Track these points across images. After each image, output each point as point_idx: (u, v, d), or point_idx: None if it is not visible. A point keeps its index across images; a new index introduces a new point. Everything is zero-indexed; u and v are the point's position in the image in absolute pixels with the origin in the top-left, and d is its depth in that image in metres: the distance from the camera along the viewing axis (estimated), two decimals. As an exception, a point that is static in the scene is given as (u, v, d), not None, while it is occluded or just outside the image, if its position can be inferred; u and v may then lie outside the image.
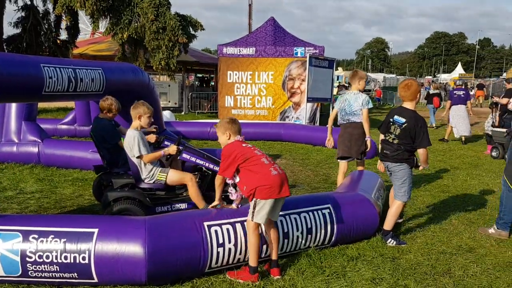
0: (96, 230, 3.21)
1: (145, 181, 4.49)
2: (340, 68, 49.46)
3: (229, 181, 3.58)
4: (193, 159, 4.79)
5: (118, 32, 13.99)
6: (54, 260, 3.13)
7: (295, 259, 3.80)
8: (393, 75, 65.81)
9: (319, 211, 4.02)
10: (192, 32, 15.13)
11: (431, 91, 16.11)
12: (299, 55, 13.70)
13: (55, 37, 17.83)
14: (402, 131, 4.20)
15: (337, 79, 37.68)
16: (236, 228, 3.52)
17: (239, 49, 13.92)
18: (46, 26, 17.40)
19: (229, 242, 3.47)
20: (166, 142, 5.17)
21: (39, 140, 7.49)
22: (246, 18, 22.76)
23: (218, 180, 3.62)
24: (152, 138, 5.01)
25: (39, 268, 3.14)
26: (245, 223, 3.51)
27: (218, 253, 3.42)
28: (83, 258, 3.13)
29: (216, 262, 3.44)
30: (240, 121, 3.75)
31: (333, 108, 6.21)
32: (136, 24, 13.95)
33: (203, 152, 5.06)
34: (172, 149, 4.55)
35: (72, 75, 5.17)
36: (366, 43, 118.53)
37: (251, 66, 13.85)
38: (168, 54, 14.04)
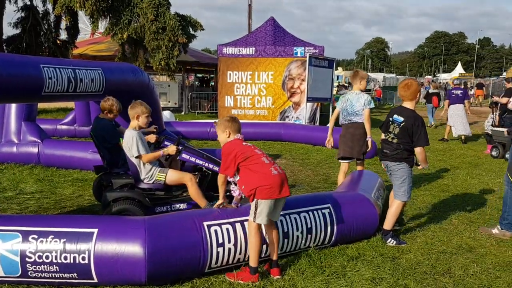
0: (95, 230, 3.21)
1: (144, 181, 4.49)
2: (340, 68, 49.47)
3: (230, 179, 3.58)
4: (192, 159, 4.79)
5: (117, 32, 13.99)
6: (54, 261, 3.12)
7: (295, 259, 3.79)
8: (393, 75, 65.79)
9: (319, 211, 4.02)
10: (192, 32, 15.13)
11: (431, 91, 16.13)
12: (299, 55, 13.70)
13: (54, 38, 17.83)
14: (401, 130, 4.21)
15: (337, 79, 37.70)
16: (236, 228, 3.52)
17: (239, 49, 13.91)
18: (46, 27, 17.40)
19: (229, 242, 3.46)
20: (166, 142, 5.17)
21: (39, 141, 7.49)
22: (246, 18, 22.75)
23: (220, 179, 3.60)
24: (152, 138, 5.01)
25: (38, 268, 3.14)
26: (245, 223, 3.51)
27: (218, 253, 3.41)
28: (83, 258, 3.13)
29: (216, 262, 3.44)
30: (240, 121, 3.75)
31: (333, 108, 6.21)
32: (135, 24, 13.95)
33: (203, 152, 5.06)
34: (171, 149, 4.55)
35: (72, 76, 5.16)
36: (366, 43, 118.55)
37: (251, 66, 13.85)
38: (168, 54, 14.04)
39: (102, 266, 3.14)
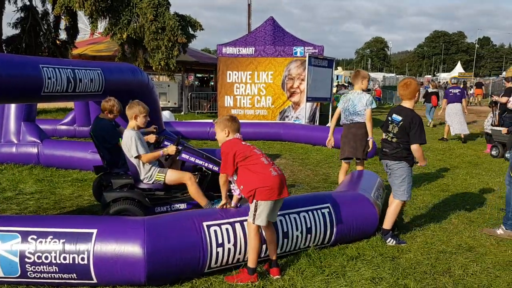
0: (95, 231, 3.21)
1: (144, 181, 4.48)
2: (339, 68, 49.46)
3: (230, 178, 3.57)
4: (192, 159, 4.78)
5: (117, 33, 13.99)
6: (53, 261, 3.12)
7: (295, 259, 3.79)
8: (393, 75, 65.71)
9: (319, 211, 4.01)
10: (192, 32, 15.14)
11: (430, 90, 16.16)
12: (298, 54, 13.69)
13: (54, 38, 17.82)
14: (399, 129, 4.22)
15: (337, 79, 37.69)
16: (235, 228, 3.52)
17: (239, 49, 13.91)
18: (45, 27, 17.39)
19: (229, 242, 3.46)
20: (165, 142, 5.17)
21: (38, 141, 7.49)
22: (245, 18, 22.78)
23: (221, 179, 3.54)
24: (152, 138, 5.01)
25: (38, 269, 3.14)
26: (244, 223, 3.50)
27: (217, 253, 3.41)
28: (82, 259, 3.13)
29: (216, 262, 3.44)
30: (239, 121, 3.74)
31: (333, 107, 6.23)
32: (135, 25, 13.95)
33: (203, 152, 5.05)
34: (171, 149, 4.54)
35: (71, 76, 5.16)
36: (366, 42, 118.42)
37: (250, 66, 13.84)
38: (168, 54, 14.04)
39: (101, 267, 3.14)
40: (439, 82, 35.00)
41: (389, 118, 4.37)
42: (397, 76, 61.15)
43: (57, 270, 3.14)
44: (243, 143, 3.49)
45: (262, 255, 3.60)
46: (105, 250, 3.15)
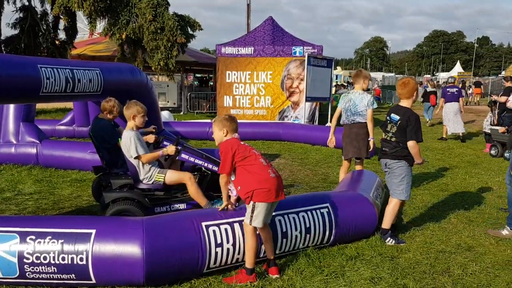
0: (93, 231, 3.20)
1: (144, 181, 4.48)
2: (339, 67, 49.48)
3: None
4: (191, 159, 4.78)
5: (116, 33, 13.97)
6: (52, 261, 3.12)
7: (294, 259, 3.79)
8: (392, 74, 65.74)
9: (318, 211, 4.01)
10: (191, 32, 15.12)
11: (429, 89, 16.18)
12: (297, 54, 13.69)
13: (53, 38, 17.79)
14: (398, 129, 4.24)
15: (336, 78, 37.70)
16: (234, 228, 3.51)
17: (238, 49, 13.90)
18: (44, 27, 17.37)
19: (227, 242, 3.46)
20: (165, 142, 5.16)
21: (37, 141, 7.48)
22: (244, 18, 22.79)
23: (222, 180, 3.48)
24: (151, 138, 5.00)
25: (36, 269, 3.13)
26: (243, 223, 3.49)
27: (216, 253, 3.41)
28: (81, 259, 3.12)
29: (215, 263, 3.43)
30: (238, 120, 3.73)
31: (333, 107, 6.25)
32: (134, 25, 13.93)
33: (202, 152, 5.05)
34: (170, 149, 4.54)
35: (70, 76, 5.15)
36: (365, 42, 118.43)
37: (249, 65, 13.84)
38: (167, 54, 14.03)
39: (100, 267, 3.14)
40: (438, 81, 34.99)
41: (388, 117, 4.39)
42: (397, 75, 61.16)
43: (56, 271, 3.13)
44: (242, 143, 3.49)
45: (261, 255, 3.60)
46: (104, 250, 3.14)
